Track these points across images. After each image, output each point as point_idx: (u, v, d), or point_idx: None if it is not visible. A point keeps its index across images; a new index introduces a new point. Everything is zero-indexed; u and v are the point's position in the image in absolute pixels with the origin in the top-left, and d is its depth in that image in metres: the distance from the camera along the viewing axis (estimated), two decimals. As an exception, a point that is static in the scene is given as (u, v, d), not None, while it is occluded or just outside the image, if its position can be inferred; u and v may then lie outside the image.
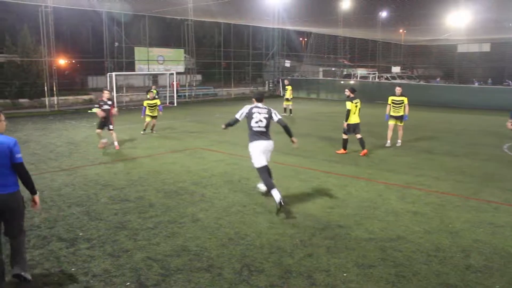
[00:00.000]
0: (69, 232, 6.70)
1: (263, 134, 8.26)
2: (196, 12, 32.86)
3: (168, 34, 48.20)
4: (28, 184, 5.10)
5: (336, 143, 14.83)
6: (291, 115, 23.20)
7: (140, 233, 6.67)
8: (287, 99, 23.46)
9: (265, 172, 7.97)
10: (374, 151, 13.35)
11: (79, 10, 31.01)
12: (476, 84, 37.25)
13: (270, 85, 41.78)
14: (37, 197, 5.23)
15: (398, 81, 41.46)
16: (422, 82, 41.52)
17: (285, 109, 23.37)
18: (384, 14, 39.06)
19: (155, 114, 16.68)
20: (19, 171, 4.97)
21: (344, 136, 12.83)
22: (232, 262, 5.68)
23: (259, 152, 8.12)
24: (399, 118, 14.01)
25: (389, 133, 14.29)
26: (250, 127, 8.14)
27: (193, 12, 32.54)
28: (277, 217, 7.37)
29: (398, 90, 14.14)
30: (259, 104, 8.32)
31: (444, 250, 6.12)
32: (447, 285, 5.16)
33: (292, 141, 8.62)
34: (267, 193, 8.09)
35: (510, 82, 38.06)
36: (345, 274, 5.37)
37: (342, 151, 12.96)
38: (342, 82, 39.14)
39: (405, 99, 13.95)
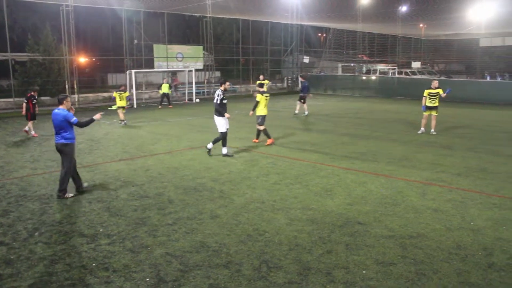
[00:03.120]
0: (90, 228, 6.79)
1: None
2: (215, 9, 32.87)
3: (187, 31, 48.43)
4: (88, 124, 8.59)
5: (356, 139, 14.74)
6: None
7: (160, 229, 6.73)
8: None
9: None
10: (395, 148, 13.21)
11: (99, 8, 31.37)
12: (499, 79, 36.49)
13: (289, 81, 41.63)
14: (97, 116, 8.62)
15: (418, 76, 40.89)
16: (442, 77, 40.88)
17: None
18: (404, 8, 38.51)
19: (124, 104, 18.70)
20: (78, 126, 8.37)
21: (261, 127, 13.79)
22: (250, 259, 5.68)
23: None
24: (434, 109, 15.44)
25: (424, 121, 15.89)
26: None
27: (212, 9, 32.56)
28: (295, 213, 7.35)
29: (435, 83, 15.61)
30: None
31: (465, 248, 6.03)
32: (468, 283, 5.09)
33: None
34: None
35: None
36: (364, 271, 5.34)
37: (269, 141, 13.81)
38: (364, 78, 38.81)
39: (440, 90, 15.39)
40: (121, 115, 18.68)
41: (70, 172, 8.44)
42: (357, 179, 9.57)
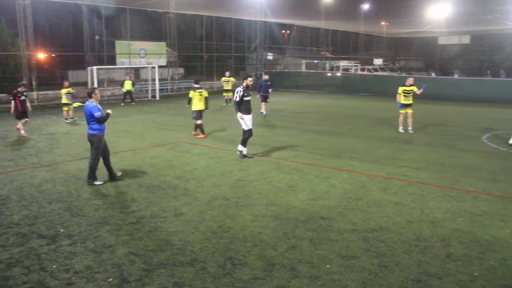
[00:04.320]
0: (50, 229, 6.61)
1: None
2: (178, 5, 32.55)
3: (150, 27, 47.69)
4: (106, 120, 8.99)
5: (319, 135, 14.91)
6: (230, 104, 24.23)
7: (123, 228, 6.62)
8: (227, 90, 24.61)
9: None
10: (357, 143, 13.43)
11: (58, 2, 30.46)
12: (456, 76, 37.63)
13: (253, 78, 41.66)
14: (109, 111, 9.20)
15: (380, 73, 41.73)
16: (403, 74, 41.84)
17: (226, 100, 24.62)
18: (366, 6, 39.22)
19: (69, 101, 18.24)
20: (97, 122, 8.84)
21: (198, 122, 14.23)
22: (215, 256, 5.67)
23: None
24: (410, 106, 15.40)
25: (401, 120, 15.74)
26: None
27: (175, 5, 32.22)
28: (259, 210, 7.38)
29: (410, 80, 15.49)
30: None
31: (425, 240, 6.20)
32: (428, 274, 5.23)
33: None
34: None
35: (504, 73, 38.39)
36: (328, 266, 5.41)
37: (201, 135, 14.30)
38: (328, 74, 39.28)
39: (415, 88, 15.34)
40: (70, 113, 18.30)
41: (96, 161, 9.03)
42: (320, 175, 9.69)
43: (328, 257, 5.63)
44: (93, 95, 8.98)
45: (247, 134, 11.24)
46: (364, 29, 45.91)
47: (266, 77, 22.21)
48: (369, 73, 40.96)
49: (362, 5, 39.08)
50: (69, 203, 7.80)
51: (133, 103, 25.58)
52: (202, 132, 14.38)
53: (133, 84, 26.28)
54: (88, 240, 6.19)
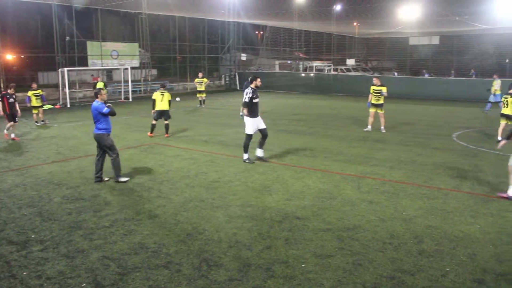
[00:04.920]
0: (20, 235, 6.46)
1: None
2: (150, 6, 32.26)
3: (122, 28, 47.09)
4: (115, 113, 9.20)
5: (293, 135, 14.99)
6: (203, 105, 24.31)
7: (96, 232, 6.53)
8: (200, 91, 24.51)
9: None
10: (331, 143, 13.55)
11: (27, 2, 29.82)
12: (426, 76, 38.37)
13: (227, 79, 41.62)
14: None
15: (353, 73, 42.22)
16: (376, 74, 42.45)
17: (200, 101, 24.55)
18: (338, 7, 39.58)
19: (40, 103, 17.96)
20: (110, 115, 9.08)
21: (153, 122, 14.62)
22: (190, 258, 5.64)
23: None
24: (379, 106, 15.51)
25: (370, 119, 15.80)
26: None
27: (147, 6, 31.94)
28: (234, 210, 7.38)
29: (375, 80, 15.57)
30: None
31: (398, 237, 6.30)
32: (401, 270, 5.32)
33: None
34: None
35: (474, 73, 39.33)
36: (303, 265, 5.44)
37: (150, 134, 14.69)
38: (303, 75, 39.54)
39: (384, 88, 15.38)
40: (40, 115, 17.97)
41: (118, 158, 9.27)
42: (295, 175, 9.74)
43: (303, 257, 5.66)
44: (99, 95, 9.17)
45: (248, 139, 10.87)
46: (336, 30, 46.33)
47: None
48: (342, 73, 41.41)
49: (334, 6, 39.44)
50: (40, 208, 7.65)
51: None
52: (151, 131, 14.72)
53: (105, 86, 25.96)
54: (60, 245, 6.08)
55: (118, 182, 9.16)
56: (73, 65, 30.64)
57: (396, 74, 40.32)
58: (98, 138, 9.19)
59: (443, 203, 7.84)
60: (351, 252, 5.80)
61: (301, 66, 48.39)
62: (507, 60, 38.76)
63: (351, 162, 10.97)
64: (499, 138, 13.39)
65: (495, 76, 22.86)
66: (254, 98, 10.64)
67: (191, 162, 10.95)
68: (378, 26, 42.78)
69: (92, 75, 35.51)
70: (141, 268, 5.37)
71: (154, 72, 44.50)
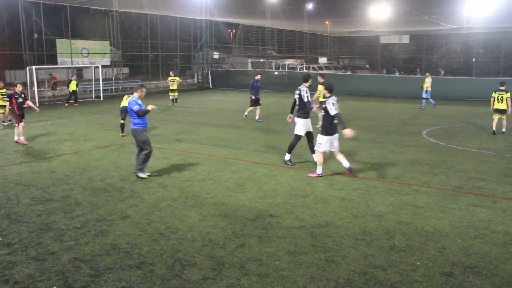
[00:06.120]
0: (-12, 237, 6.30)
1: (297, 111, 10.46)
2: (121, 3, 31.82)
3: (93, 26, 46.29)
4: (144, 114, 9.21)
5: (266, 133, 15.03)
6: (176, 104, 24.28)
7: (67, 233, 6.41)
8: (172, 90, 24.42)
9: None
10: (304, 141, 13.62)
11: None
12: (397, 74, 39.00)
13: (199, 77, 41.43)
14: (151, 107, 9.37)
15: (325, 71, 42.55)
16: (348, 72, 42.94)
17: (172, 100, 24.47)
18: (310, 6, 39.88)
19: (5, 103, 16.44)
20: (138, 114, 9.11)
21: (121, 121, 14.63)
22: (164, 258, 5.60)
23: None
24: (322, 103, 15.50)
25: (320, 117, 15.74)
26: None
27: (118, 3, 31.48)
28: (208, 209, 7.35)
29: (319, 77, 15.62)
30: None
31: (370, 233, 6.39)
32: (373, 266, 5.40)
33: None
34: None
35: (442, 71, 40.23)
36: (277, 262, 5.47)
37: (122, 134, 14.61)
38: (276, 73, 39.66)
39: (320, 86, 15.39)
40: (7, 115, 17.02)
41: (151, 154, 9.38)
42: (268, 173, 9.77)
43: (277, 254, 5.69)
44: (138, 90, 9.45)
45: (297, 140, 10.44)
46: (308, 28, 46.67)
47: (258, 76, 19.27)
48: (314, 71, 41.70)
49: (306, 5, 39.71)
50: (8, 210, 7.46)
51: (76, 104, 24.79)
52: (122, 130, 14.73)
53: (76, 85, 25.54)
54: (29, 247, 5.94)
55: (137, 175, 9.32)
56: (41, 63, 29.97)
57: (349, 72, 40.98)
58: (133, 133, 9.35)
59: (413, 199, 7.99)
60: (324, 249, 5.86)
61: (273, 64, 48.51)
62: (473, 59, 39.74)
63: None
64: (494, 129, 14.96)
65: (427, 74, 24.19)
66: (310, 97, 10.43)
67: (164, 162, 10.86)
68: (349, 25, 43.29)
69: (51, 74, 34.75)
70: (114, 269, 5.30)
71: (126, 70, 43.91)
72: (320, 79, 15.65)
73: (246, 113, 18.91)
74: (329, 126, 9.15)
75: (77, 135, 14.76)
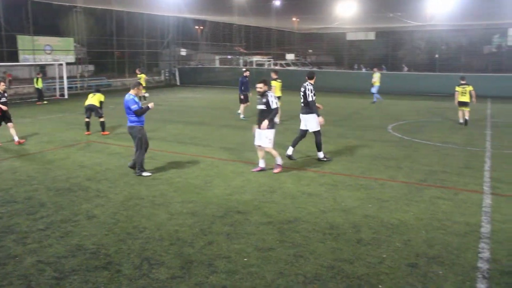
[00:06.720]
0: None
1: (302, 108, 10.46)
2: (86, -1, 31.15)
3: (56, 22, 45.13)
4: (143, 113, 9.18)
5: (234, 130, 15.01)
6: (145, 102, 23.86)
7: (30, 236, 6.24)
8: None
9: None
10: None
11: None
12: (364, 70, 39.56)
13: (166, 74, 41.02)
14: (151, 105, 9.45)
15: (292, 68, 42.82)
16: (315, 68, 43.28)
17: (145, 97, 24.01)
18: (277, 2, 39.94)
19: None
20: (136, 114, 9.06)
21: (86, 119, 14.36)
22: (131, 257, 5.53)
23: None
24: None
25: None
26: None
27: (83, -1, 30.81)
28: (175, 207, 7.30)
29: (272, 74, 16.36)
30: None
31: (338, 228, 6.47)
32: (341, 260, 5.47)
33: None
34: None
35: (405, 67, 41.01)
36: (245, 259, 5.47)
37: (87, 132, 14.37)
38: (244, 69, 39.59)
39: (273, 82, 15.92)
40: None
41: (142, 152, 9.26)
42: (236, 169, 9.77)
43: (245, 251, 5.69)
44: (135, 88, 9.30)
45: (318, 136, 10.45)
46: (276, 25, 46.79)
47: (247, 73, 18.80)
48: (281, 67, 41.88)
49: (273, 1, 39.77)
50: (-32, 212, 7.22)
51: (38, 103, 24.17)
52: (87, 129, 14.46)
53: (41, 82, 24.97)
54: (-10, 250, 5.77)
55: (138, 175, 9.23)
56: (1, 60, 29.06)
57: (310, 66, 41.54)
58: (130, 130, 9.27)
59: (379, 192, 8.14)
60: (292, 244, 5.90)
61: (241, 61, 48.46)
62: (436, 55, 40.69)
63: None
64: (461, 121, 15.96)
65: (375, 69, 25.21)
66: (314, 95, 10.37)
67: (130, 160, 10.67)
68: (317, 21, 43.64)
69: (5, 72, 33.76)
70: (79, 271, 5.20)
71: (91, 68, 43.02)
72: (273, 75, 15.89)
73: (241, 114, 18.04)
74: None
75: (41, 134, 14.40)
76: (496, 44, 44.99)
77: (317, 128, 10.38)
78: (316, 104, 10.38)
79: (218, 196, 7.89)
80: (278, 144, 12.29)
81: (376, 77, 24.10)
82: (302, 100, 10.48)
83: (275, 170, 9.41)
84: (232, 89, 34.17)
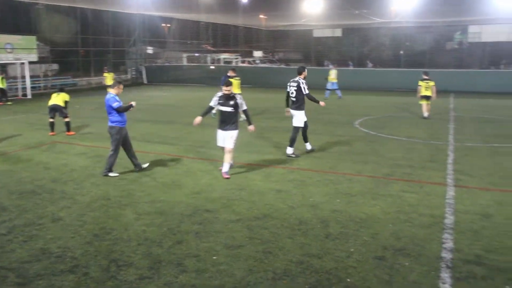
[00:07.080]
0: None
1: (293, 103, 10.61)
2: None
3: (17, 19, 43.83)
4: (125, 110, 9.13)
5: (202, 128, 14.91)
6: None
7: (-9, 240, 6.06)
8: (108, 86, 23.58)
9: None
10: (240, 134, 13.65)
11: None
12: (330, 67, 39.92)
13: (133, 73, 40.44)
14: (133, 103, 9.45)
15: (260, 65, 42.90)
16: (282, 65, 43.46)
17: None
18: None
19: None
20: (117, 111, 8.93)
21: (50, 120, 14.10)
22: (98, 260, 5.43)
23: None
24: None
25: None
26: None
27: (45, -4, 30.00)
28: (143, 207, 7.22)
29: (230, 72, 16.17)
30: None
31: (306, 223, 6.53)
32: (309, 255, 5.52)
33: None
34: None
35: (370, 63, 41.58)
36: (214, 257, 5.46)
37: (52, 133, 14.06)
38: (212, 67, 39.44)
39: (234, 81, 15.49)
40: None
41: (115, 154, 9.10)
42: (204, 168, 9.74)
43: (214, 249, 5.68)
44: (115, 88, 9.17)
45: (298, 132, 10.74)
46: (243, 22, 46.71)
47: (230, 72, 17.50)
48: (249, 65, 41.89)
49: (240, -2, 39.73)
50: None
51: (1, 103, 23.46)
52: (52, 130, 14.18)
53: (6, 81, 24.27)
54: (-51, 257, 5.57)
55: (105, 176, 9.07)
56: (-41, 59, 28.06)
57: (258, 61, 41.76)
58: (110, 130, 9.12)
59: (347, 187, 8.25)
60: (261, 241, 5.92)
61: (209, 58, 48.21)
62: (401, 52, 41.42)
63: (260, 153, 11.16)
64: (425, 115, 16.49)
65: (331, 66, 25.75)
66: (308, 89, 10.57)
67: (97, 160, 10.51)
68: (284, 18, 43.74)
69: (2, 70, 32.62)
70: (44, 275, 5.08)
71: (55, 66, 42.01)
72: (231, 73, 15.83)
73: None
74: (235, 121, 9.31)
75: (3, 136, 13.97)
76: (457, 41, 46.14)
77: (300, 125, 10.61)
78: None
79: (187, 195, 7.85)
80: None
81: (333, 74, 24.36)
82: (294, 95, 10.61)
83: (223, 172, 8.98)
84: (200, 86, 33.99)
